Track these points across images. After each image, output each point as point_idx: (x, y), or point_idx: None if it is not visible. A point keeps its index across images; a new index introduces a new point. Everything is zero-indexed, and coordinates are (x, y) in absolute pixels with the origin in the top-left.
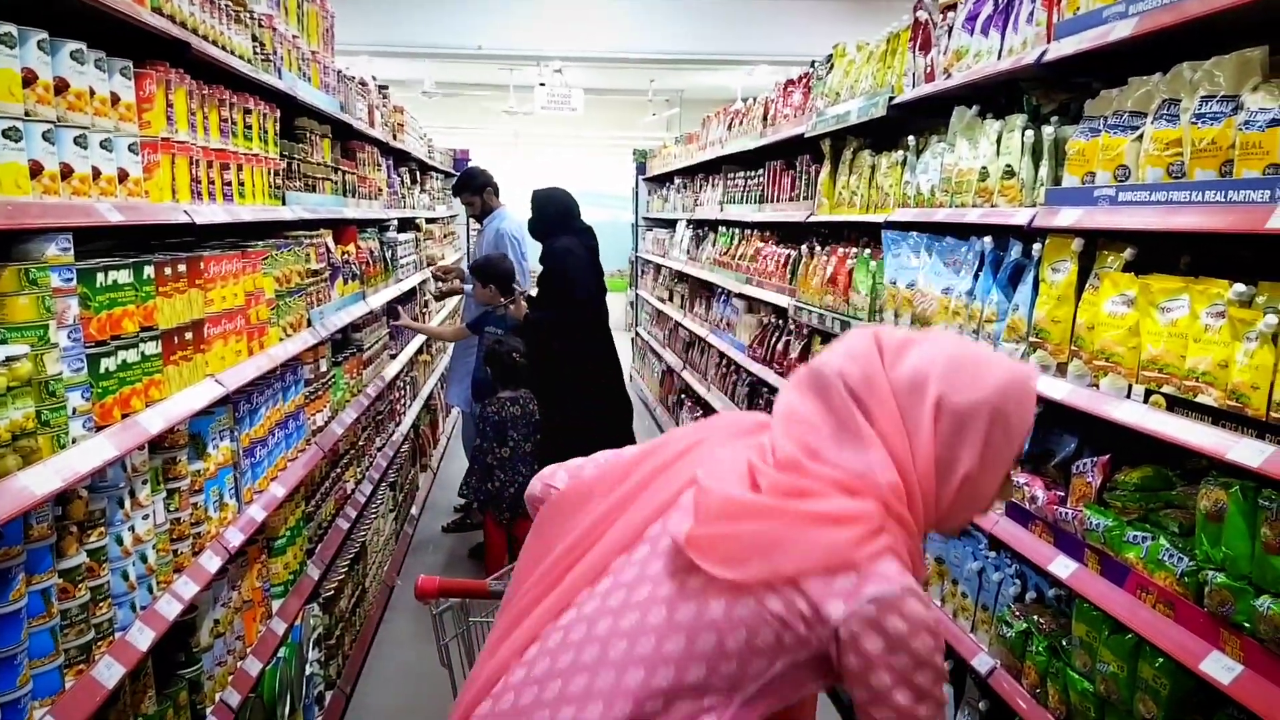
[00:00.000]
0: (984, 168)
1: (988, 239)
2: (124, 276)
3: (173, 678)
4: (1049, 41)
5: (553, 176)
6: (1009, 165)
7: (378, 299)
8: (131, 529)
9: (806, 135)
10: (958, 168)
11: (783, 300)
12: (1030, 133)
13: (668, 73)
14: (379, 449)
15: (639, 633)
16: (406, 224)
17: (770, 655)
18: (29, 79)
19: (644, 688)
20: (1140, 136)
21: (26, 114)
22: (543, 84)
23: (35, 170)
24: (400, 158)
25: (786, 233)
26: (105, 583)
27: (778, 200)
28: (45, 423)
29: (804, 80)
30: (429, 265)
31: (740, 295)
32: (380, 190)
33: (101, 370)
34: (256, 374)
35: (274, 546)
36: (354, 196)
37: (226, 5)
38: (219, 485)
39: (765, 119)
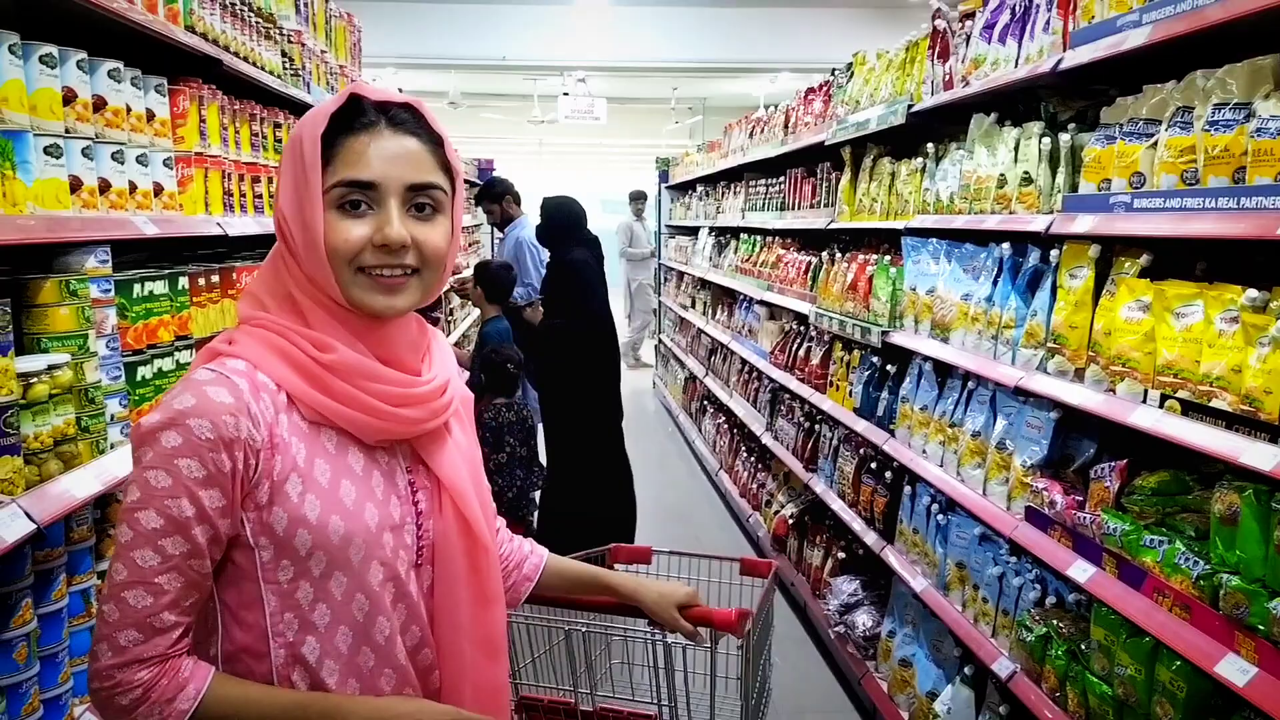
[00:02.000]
0: (1002, 175)
1: (1006, 245)
2: (160, 287)
3: None
4: (1065, 50)
5: (576, 184)
6: (1027, 172)
7: None
8: None
9: (827, 143)
10: (976, 175)
11: (804, 307)
12: (1047, 140)
13: (690, 81)
14: None
15: None
16: None
17: None
18: (69, 97)
19: None
20: (1155, 144)
21: (66, 131)
22: (566, 94)
23: (74, 185)
24: None
25: (807, 240)
26: None
27: (799, 207)
28: (85, 429)
29: (824, 88)
30: (452, 275)
31: (762, 302)
32: None
33: (138, 378)
34: None
35: None
36: None
37: (257, 23)
38: None
39: (786, 127)
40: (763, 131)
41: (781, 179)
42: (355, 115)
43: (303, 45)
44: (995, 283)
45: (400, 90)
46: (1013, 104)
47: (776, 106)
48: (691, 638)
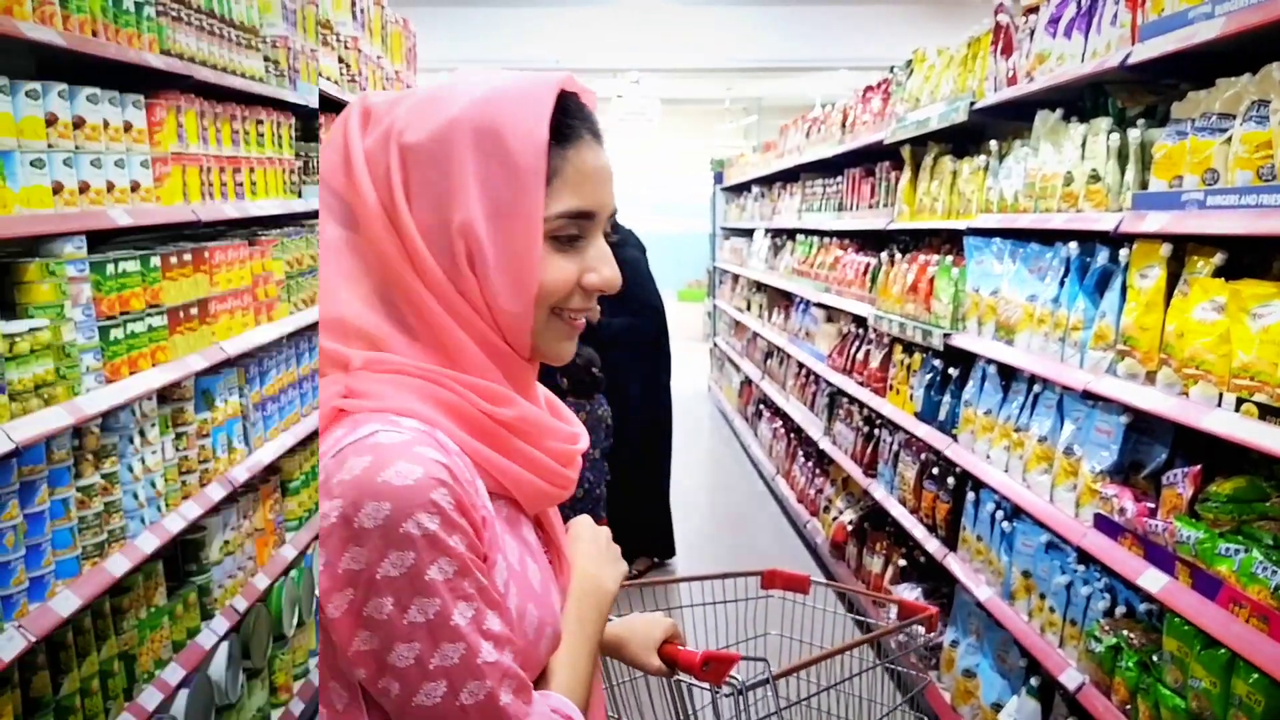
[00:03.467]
0: (1069, 172)
1: (1073, 245)
2: (133, 265)
3: (185, 583)
4: (1133, 44)
5: (628, 187)
6: (1094, 170)
7: None
8: (142, 460)
9: (886, 142)
10: (1041, 172)
11: (863, 309)
12: (1115, 136)
13: (745, 80)
14: None
15: None
16: None
17: None
18: (51, 120)
19: None
20: (1229, 139)
21: (49, 146)
22: (620, 96)
23: (57, 189)
24: None
25: (866, 240)
26: (117, 499)
27: (857, 208)
28: (62, 376)
29: (883, 86)
30: None
31: (819, 304)
32: None
33: (111, 338)
34: (266, 341)
35: (289, 487)
36: None
37: (236, 36)
38: (227, 432)
39: (844, 126)
40: (820, 131)
41: (839, 179)
42: (569, 118)
43: (359, 51)
44: (1062, 283)
45: None
46: (1078, 100)
47: (834, 105)
48: (663, 676)
